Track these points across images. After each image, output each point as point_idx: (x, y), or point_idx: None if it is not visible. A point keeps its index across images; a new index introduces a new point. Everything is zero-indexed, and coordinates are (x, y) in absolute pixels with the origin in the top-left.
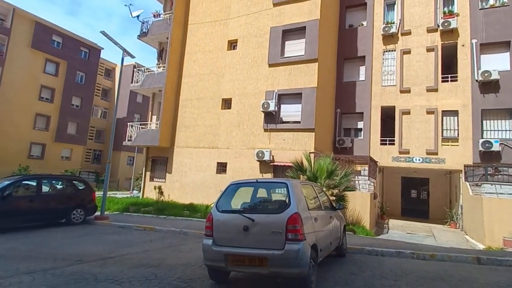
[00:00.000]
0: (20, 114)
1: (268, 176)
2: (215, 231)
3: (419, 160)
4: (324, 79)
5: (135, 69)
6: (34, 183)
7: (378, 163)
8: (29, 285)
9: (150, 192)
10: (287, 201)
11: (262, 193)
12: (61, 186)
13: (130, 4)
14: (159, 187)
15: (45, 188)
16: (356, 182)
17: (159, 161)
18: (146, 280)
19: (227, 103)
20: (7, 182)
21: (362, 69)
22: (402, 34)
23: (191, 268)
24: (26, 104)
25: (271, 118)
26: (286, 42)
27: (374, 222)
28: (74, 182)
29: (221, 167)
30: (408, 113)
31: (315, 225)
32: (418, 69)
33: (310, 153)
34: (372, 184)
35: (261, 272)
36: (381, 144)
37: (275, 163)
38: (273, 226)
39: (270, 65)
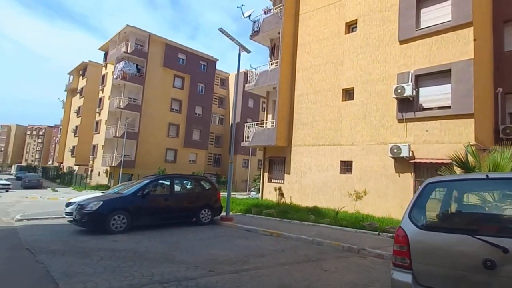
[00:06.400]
0: (157, 124)
1: (408, 176)
2: (415, 261)
3: None
4: (480, 48)
5: (248, 74)
6: (167, 182)
7: None
8: None
9: (268, 194)
10: None
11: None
12: (190, 186)
13: (242, 5)
14: (279, 189)
15: (177, 188)
16: None
17: (277, 161)
18: None
19: (348, 94)
20: (146, 181)
21: None
22: None
23: None
24: (161, 116)
25: (407, 105)
26: (422, 10)
27: None
28: (201, 182)
29: (346, 166)
30: None
31: None
32: None
33: (471, 145)
34: None
35: None
36: None
37: (415, 160)
38: None
39: (402, 42)
